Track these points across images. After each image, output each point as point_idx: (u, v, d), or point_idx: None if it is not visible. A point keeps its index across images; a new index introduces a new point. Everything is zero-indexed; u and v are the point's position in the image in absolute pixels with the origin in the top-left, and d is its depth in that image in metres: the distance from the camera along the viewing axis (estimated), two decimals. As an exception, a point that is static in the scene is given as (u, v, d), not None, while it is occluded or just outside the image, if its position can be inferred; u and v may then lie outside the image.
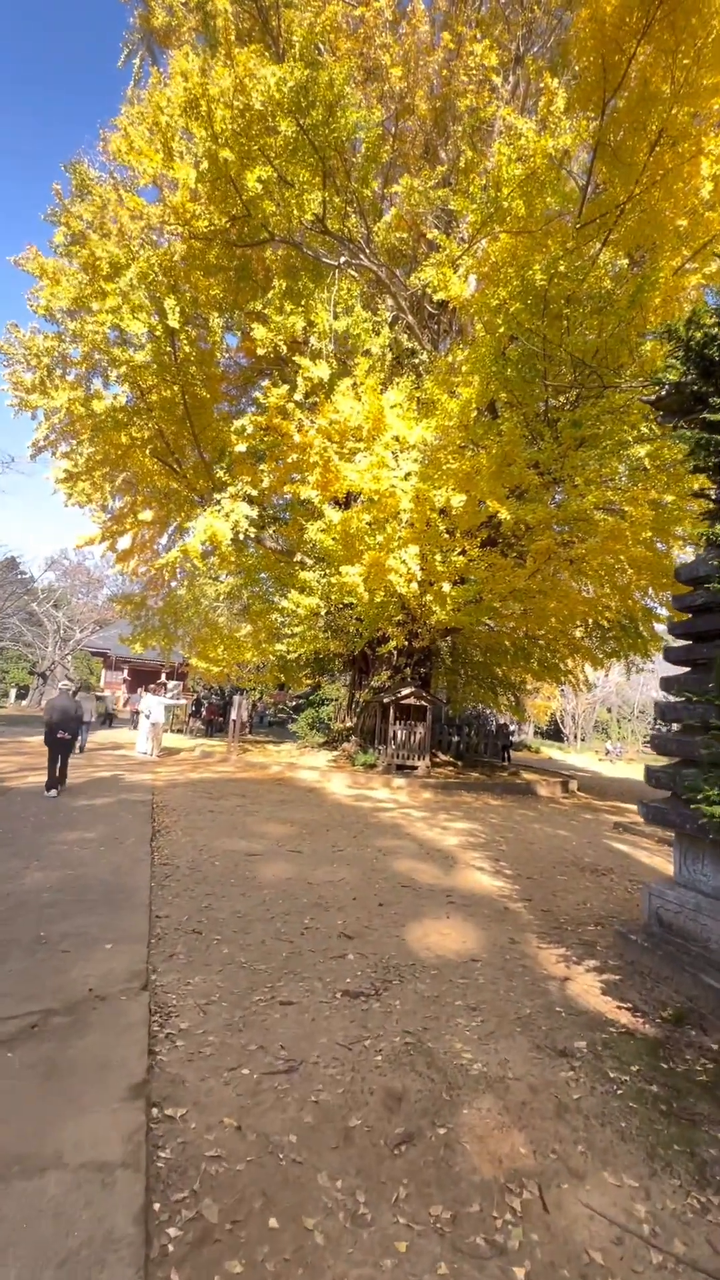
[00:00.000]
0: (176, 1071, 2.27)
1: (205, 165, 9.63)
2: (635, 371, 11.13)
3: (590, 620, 13.69)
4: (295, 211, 10.61)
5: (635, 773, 26.10)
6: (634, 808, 12.48)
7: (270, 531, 14.99)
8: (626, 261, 10.58)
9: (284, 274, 12.07)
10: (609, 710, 43.10)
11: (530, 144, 9.24)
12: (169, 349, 10.51)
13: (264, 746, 16.56)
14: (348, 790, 10.73)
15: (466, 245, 10.96)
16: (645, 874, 6.36)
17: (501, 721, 25.17)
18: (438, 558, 10.42)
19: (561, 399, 11.26)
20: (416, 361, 14.31)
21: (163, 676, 27.75)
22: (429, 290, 13.44)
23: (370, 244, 12.37)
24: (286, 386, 10.88)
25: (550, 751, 34.14)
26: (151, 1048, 2.39)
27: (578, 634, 14.82)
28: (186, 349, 10.80)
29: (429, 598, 10.67)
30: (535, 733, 39.00)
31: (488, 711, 25.34)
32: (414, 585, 9.99)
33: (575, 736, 39.74)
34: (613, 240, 9.99)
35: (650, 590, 12.65)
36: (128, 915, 3.81)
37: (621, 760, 34.16)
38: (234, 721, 15.21)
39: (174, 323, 9.83)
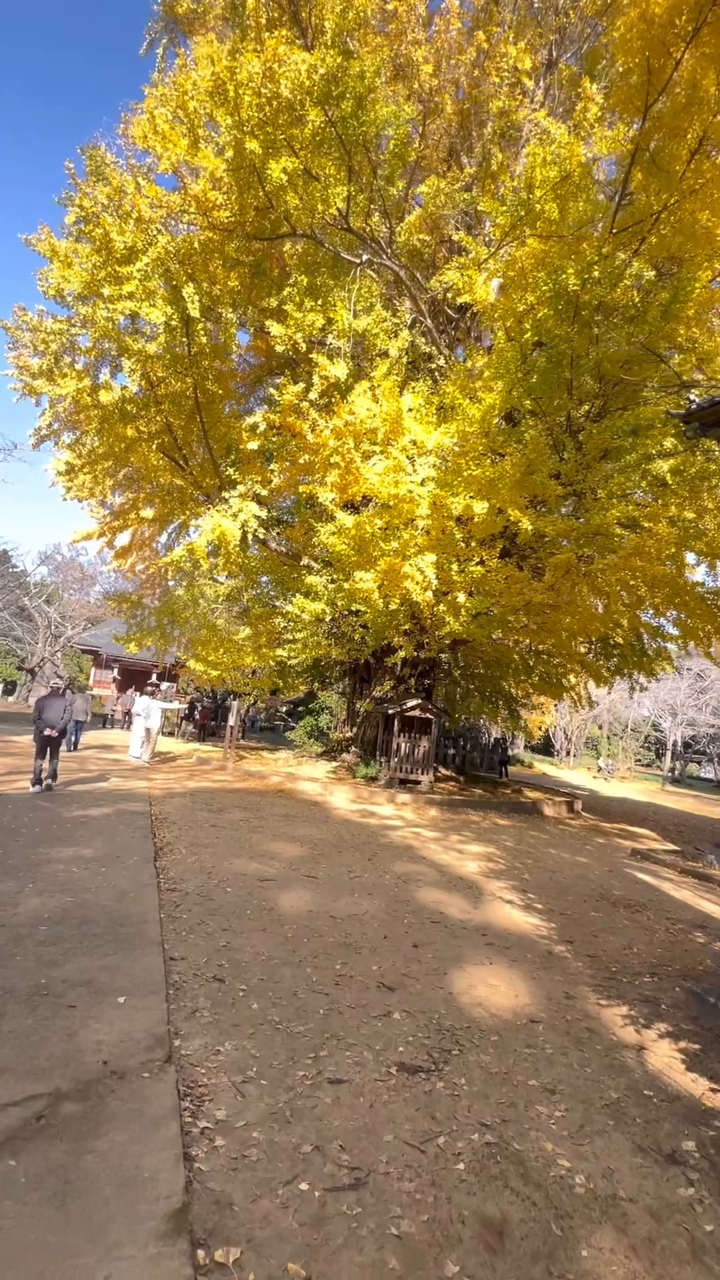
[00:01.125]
0: (221, 1188, 1.83)
1: (230, 153, 9.28)
2: (662, 383, 10.86)
3: (594, 637, 13.41)
4: (319, 206, 10.28)
5: (632, 792, 25.85)
6: (643, 831, 12.14)
7: (274, 534, 14.58)
8: (653, 274, 10.31)
9: (304, 270, 11.72)
10: (600, 727, 42.92)
11: (563, 148, 8.98)
12: (184, 339, 10.11)
13: (259, 754, 16.07)
14: (352, 805, 10.29)
15: (493, 249, 10.66)
16: (680, 911, 5.98)
17: (499, 735, 24.86)
18: (454, 567, 10.08)
19: (584, 409, 10.99)
20: (433, 367, 14.02)
21: (154, 677, 27.21)
22: (450, 294, 13.18)
23: (392, 244, 12.08)
24: (301, 385, 10.51)
25: (543, 767, 33.89)
26: (186, 1149, 1.95)
27: (582, 649, 14.54)
28: (202, 340, 10.40)
29: (443, 607, 10.30)
30: (526, 747, 38.69)
31: (481, 724, 24.98)
32: (429, 594, 9.64)
33: (567, 752, 39.47)
34: (644, 250, 9.76)
35: (658, 608, 12.38)
36: (139, 956, 3.35)
37: (615, 778, 33.94)
38: (230, 728, 14.72)
39: (194, 311, 9.43)
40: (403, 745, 12.97)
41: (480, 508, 9.21)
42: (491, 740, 23.70)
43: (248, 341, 16.59)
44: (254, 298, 13.02)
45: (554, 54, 11.73)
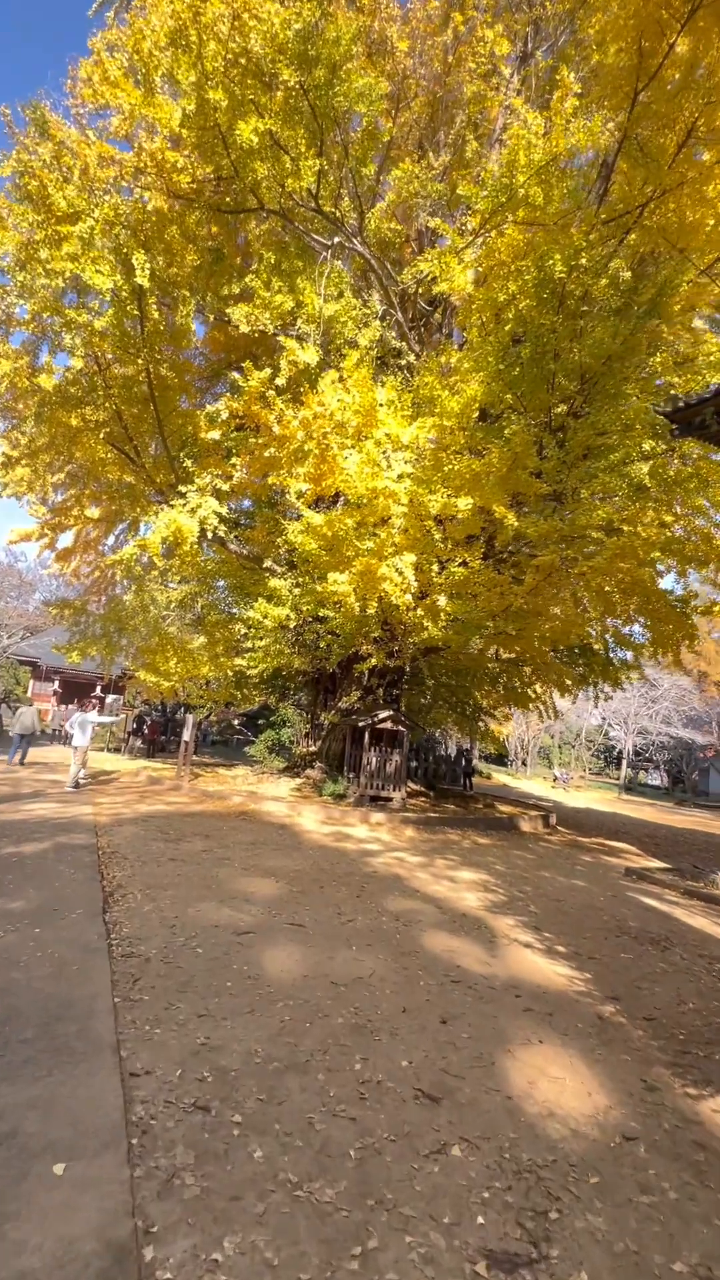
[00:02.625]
0: None
1: (191, 107, 8.43)
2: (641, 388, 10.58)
3: (569, 645, 13.01)
4: (289, 181, 9.55)
5: (593, 801, 25.88)
6: (623, 845, 11.72)
7: (234, 536, 13.62)
8: (630, 274, 10.03)
9: (273, 248, 10.92)
10: (551, 736, 43.31)
11: (543, 139, 8.59)
12: (135, 313, 9.11)
13: (215, 771, 14.91)
14: (324, 828, 9.38)
15: (471, 238, 10.17)
16: (707, 945, 5.38)
17: (459, 746, 24.41)
18: (434, 568, 9.41)
19: (563, 408, 10.62)
20: (402, 363, 13.45)
21: (98, 690, 25.51)
22: (422, 287, 12.66)
23: (363, 231, 11.46)
24: (268, 371, 9.69)
25: (501, 777, 33.74)
26: None
27: (550, 658, 14.15)
28: (155, 317, 9.43)
29: (421, 611, 9.61)
30: (481, 757, 38.51)
31: (438, 735, 24.48)
32: (409, 596, 8.93)
33: (523, 762, 39.54)
34: (626, 245, 9.48)
35: (629, 615, 12.11)
36: (86, 1076, 2.39)
37: (571, 787, 34.12)
38: (185, 743, 13.54)
39: (142, 281, 8.44)
40: (373, 760, 12.16)
41: (464, 504, 8.60)
42: (455, 752, 23.19)
43: (205, 334, 15.67)
44: (214, 285, 12.12)
45: (529, 46, 11.46)
